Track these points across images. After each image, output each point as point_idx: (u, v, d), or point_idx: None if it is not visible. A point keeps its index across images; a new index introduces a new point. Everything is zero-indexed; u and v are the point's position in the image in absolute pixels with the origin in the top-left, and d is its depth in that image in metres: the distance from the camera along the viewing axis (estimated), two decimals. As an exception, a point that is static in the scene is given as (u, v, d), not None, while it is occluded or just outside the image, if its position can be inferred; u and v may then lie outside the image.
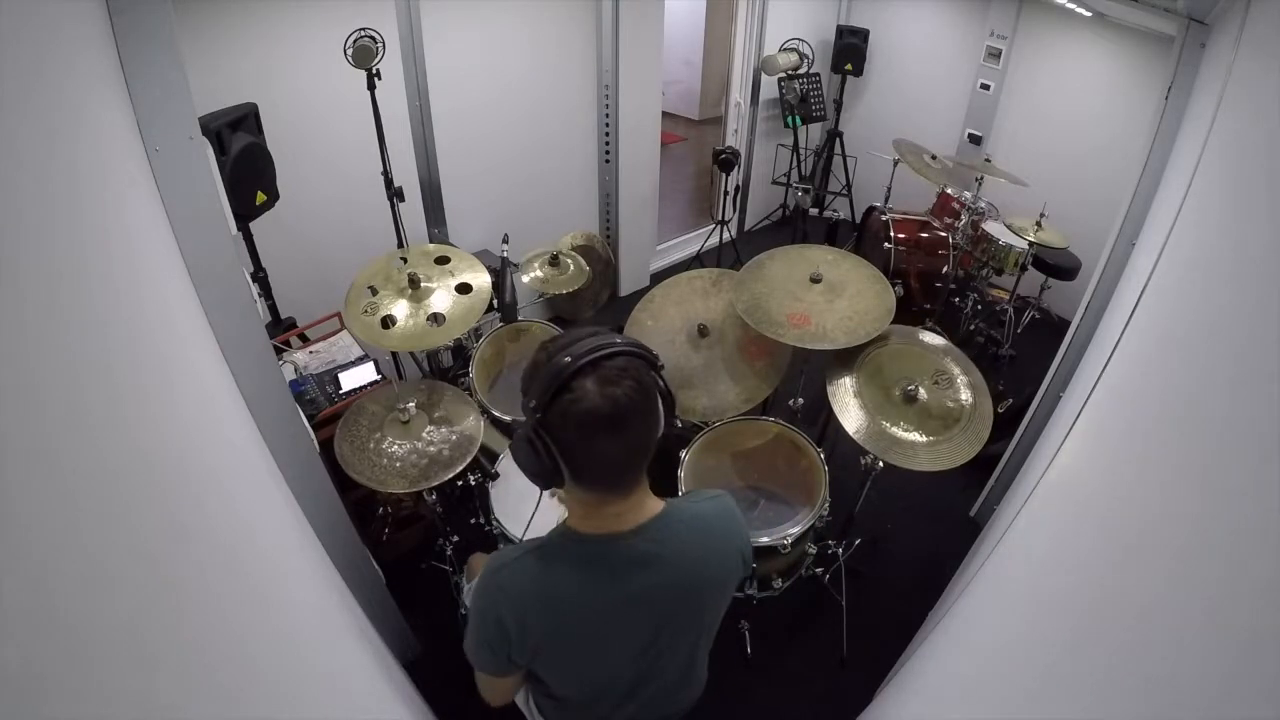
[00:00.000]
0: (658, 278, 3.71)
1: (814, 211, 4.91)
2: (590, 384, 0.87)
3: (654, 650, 1.08)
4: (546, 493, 1.03)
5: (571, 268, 2.73)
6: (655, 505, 1.03)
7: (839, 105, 4.88)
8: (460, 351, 2.86)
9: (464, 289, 2.21)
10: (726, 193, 4.24)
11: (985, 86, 4.24)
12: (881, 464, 2.05)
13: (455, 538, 2.32)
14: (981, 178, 3.71)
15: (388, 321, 2.10)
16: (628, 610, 1.01)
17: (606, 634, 1.03)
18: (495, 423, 2.29)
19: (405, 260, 2.22)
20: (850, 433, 1.99)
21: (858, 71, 4.67)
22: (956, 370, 2.07)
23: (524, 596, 0.98)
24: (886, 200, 4.04)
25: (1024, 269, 3.41)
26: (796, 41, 4.44)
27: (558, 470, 0.93)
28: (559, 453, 0.91)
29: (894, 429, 1.99)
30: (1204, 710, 0.63)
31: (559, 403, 0.88)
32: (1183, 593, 0.77)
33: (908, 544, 2.81)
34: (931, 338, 2.18)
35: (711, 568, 1.07)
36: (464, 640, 1.05)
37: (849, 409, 2.04)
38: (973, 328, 3.75)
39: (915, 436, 1.97)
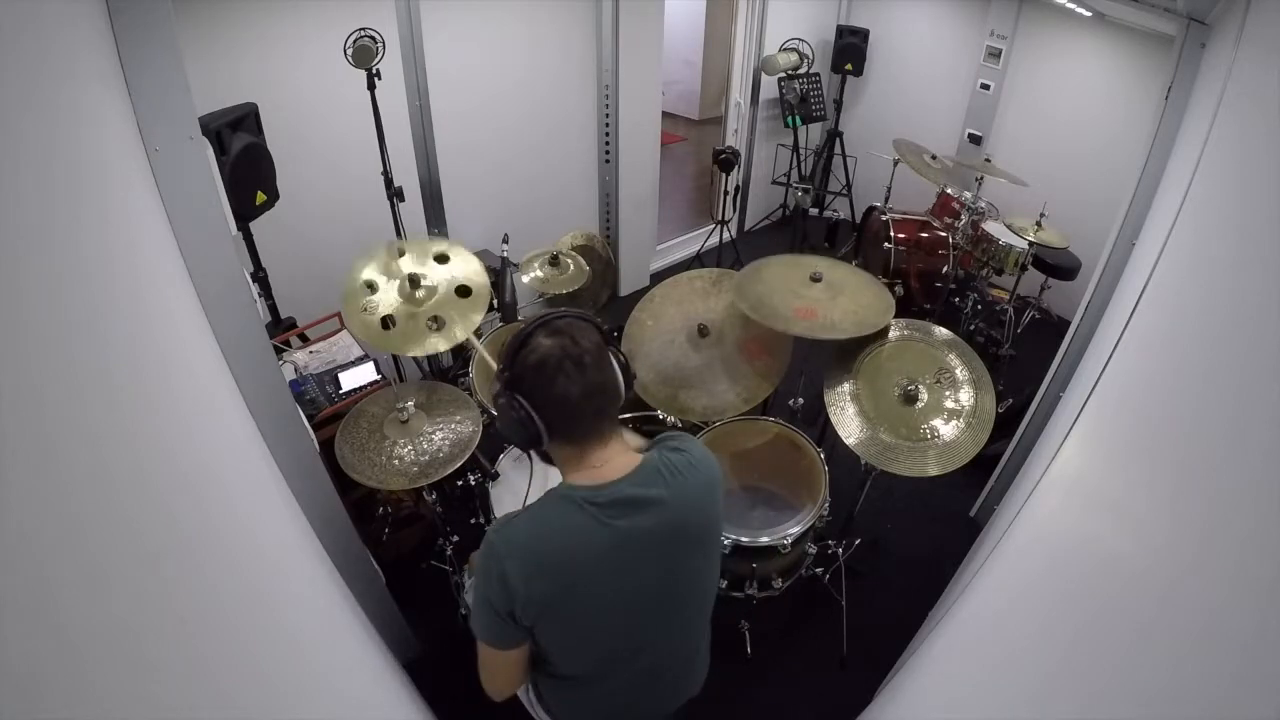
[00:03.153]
0: (658, 278, 3.71)
1: (814, 211, 4.91)
2: (542, 336, 1.03)
3: (651, 603, 1.11)
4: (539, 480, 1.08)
5: (571, 268, 2.73)
6: (635, 457, 1.11)
7: (839, 105, 4.88)
8: (460, 352, 2.86)
9: (463, 291, 2.21)
10: (726, 193, 4.24)
11: (985, 86, 4.24)
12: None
13: (455, 538, 2.32)
14: (981, 178, 3.71)
15: (388, 322, 2.10)
16: (620, 551, 1.05)
17: (601, 577, 1.06)
18: (495, 423, 2.29)
19: (403, 253, 2.22)
20: (849, 444, 1.99)
21: (858, 71, 4.67)
22: (958, 366, 2.07)
23: (522, 549, 1.03)
24: (886, 200, 4.04)
25: (1024, 269, 3.40)
26: (796, 41, 4.44)
27: (532, 421, 1.03)
28: (530, 405, 1.03)
29: (891, 437, 1.98)
30: (1206, 711, 0.63)
31: (520, 359, 1.02)
32: (1185, 593, 0.77)
33: (908, 544, 2.81)
34: (938, 330, 2.18)
35: (701, 506, 1.12)
36: (470, 617, 1.09)
37: (846, 416, 2.03)
38: (973, 328, 3.75)
39: (912, 444, 1.97)
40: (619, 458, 1.08)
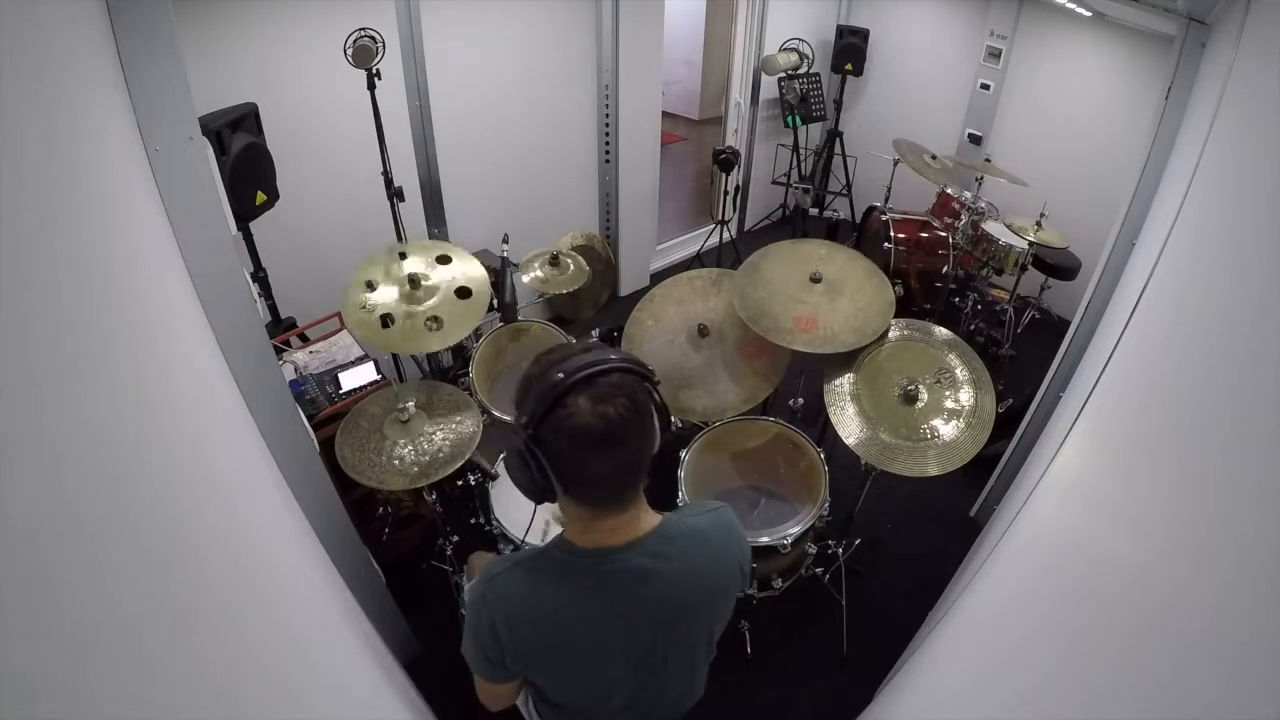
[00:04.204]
0: (658, 278, 3.71)
1: (814, 211, 4.92)
2: (583, 401, 0.86)
3: (651, 662, 1.07)
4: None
5: (571, 268, 2.73)
6: (652, 519, 1.02)
7: (839, 105, 4.88)
8: (460, 351, 2.86)
9: (463, 292, 2.22)
10: (726, 193, 4.24)
11: (985, 86, 4.23)
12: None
13: (455, 538, 2.32)
14: (981, 178, 3.71)
15: (387, 320, 2.11)
16: (621, 625, 1.00)
17: (599, 648, 1.03)
18: (495, 422, 2.29)
19: (404, 256, 2.22)
20: (849, 444, 1.99)
21: (858, 71, 4.67)
22: (958, 366, 2.07)
23: (515, 607, 0.98)
24: (886, 200, 4.04)
25: (1024, 269, 3.40)
26: (796, 41, 4.44)
27: (550, 487, 0.93)
28: (551, 469, 0.90)
29: (891, 437, 1.98)
30: (1206, 711, 0.63)
31: (551, 419, 0.87)
32: (1185, 594, 0.76)
33: (908, 544, 2.81)
34: (938, 330, 2.18)
35: (709, 582, 1.05)
36: (462, 645, 1.05)
37: (846, 415, 2.04)
38: (973, 328, 3.75)
39: (912, 444, 1.97)
40: (631, 523, 0.99)
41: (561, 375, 0.87)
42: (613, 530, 0.98)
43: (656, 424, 0.95)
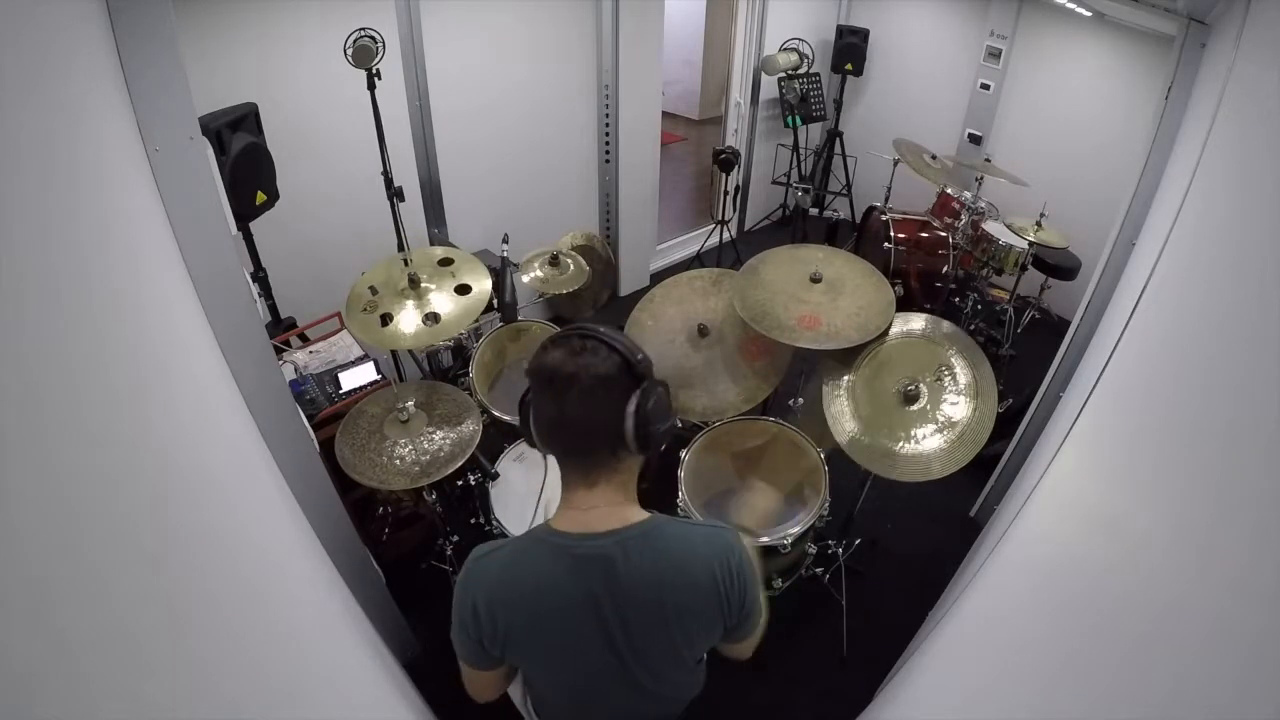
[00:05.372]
0: (658, 278, 3.70)
1: (814, 211, 4.91)
2: (557, 343, 0.99)
3: (629, 654, 1.06)
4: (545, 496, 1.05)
5: (571, 268, 2.73)
6: (638, 515, 1.05)
7: (839, 105, 4.88)
8: (460, 352, 2.86)
9: (463, 290, 2.22)
10: (726, 193, 4.24)
11: (985, 86, 4.23)
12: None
13: (455, 538, 2.32)
14: (981, 178, 3.71)
15: (386, 319, 2.11)
16: (591, 609, 1.02)
17: (567, 630, 1.04)
18: (495, 423, 2.29)
19: (408, 263, 2.23)
20: (842, 446, 1.99)
21: (858, 71, 4.67)
22: (959, 365, 2.07)
23: (493, 585, 1.02)
24: (886, 200, 4.03)
25: (1024, 269, 3.40)
26: (796, 41, 4.44)
27: (526, 422, 1.04)
28: (530, 405, 1.03)
29: (888, 442, 1.98)
30: (1209, 712, 0.63)
31: (537, 354, 1.00)
32: (1186, 594, 0.76)
33: (908, 544, 2.81)
34: (946, 325, 2.17)
35: (671, 594, 1.03)
36: (450, 630, 1.08)
37: (842, 417, 2.04)
38: (973, 328, 3.74)
39: (910, 447, 1.97)
40: (612, 509, 1.02)
41: (571, 327, 1.02)
42: (589, 512, 1.03)
43: (628, 403, 0.98)
